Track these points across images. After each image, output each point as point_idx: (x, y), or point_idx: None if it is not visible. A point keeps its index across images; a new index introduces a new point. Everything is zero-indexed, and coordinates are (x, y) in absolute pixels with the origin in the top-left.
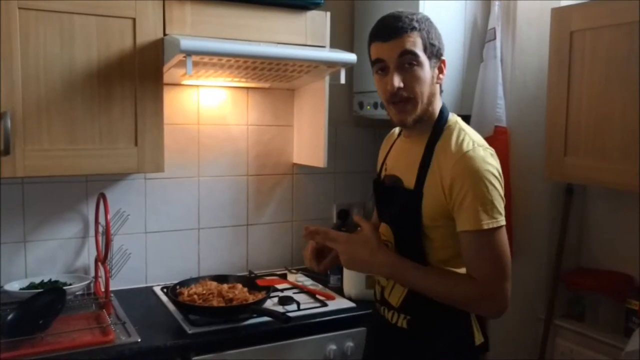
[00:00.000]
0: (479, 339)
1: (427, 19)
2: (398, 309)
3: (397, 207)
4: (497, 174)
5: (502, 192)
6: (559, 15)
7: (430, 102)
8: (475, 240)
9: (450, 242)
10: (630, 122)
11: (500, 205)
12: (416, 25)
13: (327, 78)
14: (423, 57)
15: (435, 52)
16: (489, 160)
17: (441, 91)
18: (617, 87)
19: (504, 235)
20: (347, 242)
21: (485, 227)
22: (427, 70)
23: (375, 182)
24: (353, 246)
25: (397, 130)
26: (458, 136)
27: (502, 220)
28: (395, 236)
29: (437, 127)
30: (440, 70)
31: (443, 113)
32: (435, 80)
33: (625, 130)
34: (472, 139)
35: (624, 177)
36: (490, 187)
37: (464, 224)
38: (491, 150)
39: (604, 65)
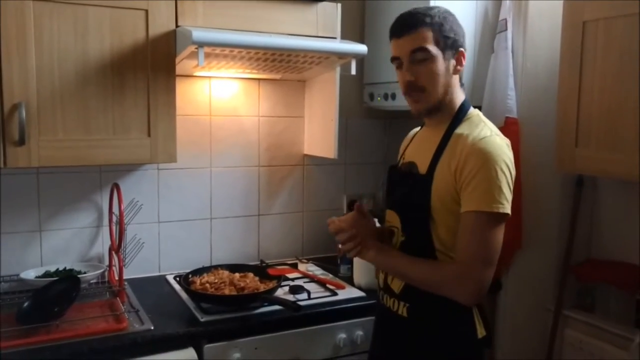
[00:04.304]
0: (481, 332)
1: (443, 12)
2: (399, 296)
3: (408, 190)
4: (509, 164)
5: (511, 183)
6: (571, 5)
7: (446, 92)
8: (473, 221)
9: (455, 227)
10: None
11: (507, 194)
12: (428, 20)
13: (338, 69)
14: (435, 50)
15: (450, 44)
16: (504, 149)
17: (462, 83)
18: (630, 78)
19: (501, 224)
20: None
21: (486, 209)
22: (440, 62)
23: (390, 167)
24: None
25: (418, 128)
26: (477, 125)
27: (504, 208)
28: (402, 220)
29: (458, 116)
30: (458, 61)
31: (464, 106)
32: (451, 71)
33: (637, 122)
34: (490, 129)
35: (635, 168)
36: (500, 173)
37: (466, 204)
38: (507, 142)
39: (616, 56)
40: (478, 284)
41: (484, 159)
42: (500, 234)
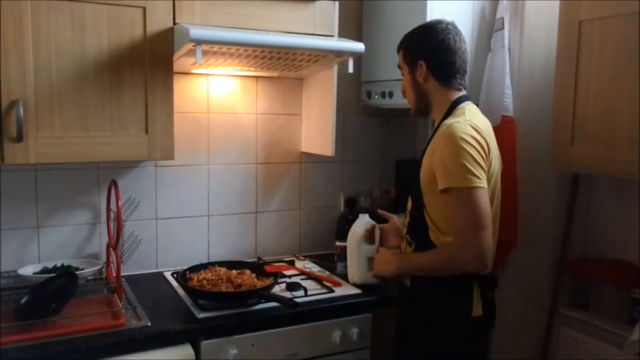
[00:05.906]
0: (477, 311)
1: (415, 30)
2: None
3: (413, 177)
4: (471, 141)
5: (479, 157)
6: (568, 4)
7: (422, 97)
8: (450, 197)
9: (443, 208)
10: (638, 111)
11: (475, 167)
12: (403, 41)
13: (336, 67)
14: (404, 67)
15: (410, 59)
16: (466, 130)
17: (458, 86)
18: (625, 76)
19: (479, 194)
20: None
21: (455, 185)
22: (407, 75)
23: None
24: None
25: None
26: (457, 116)
27: (476, 182)
28: (412, 203)
29: (448, 110)
30: (418, 72)
31: (457, 102)
32: (416, 80)
33: (632, 120)
34: (463, 118)
35: (630, 166)
36: (462, 151)
37: (440, 183)
38: (475, 125)
39: (612, 55)
40: (477, 248)
41: (446, 140)
42: (481, 200)
